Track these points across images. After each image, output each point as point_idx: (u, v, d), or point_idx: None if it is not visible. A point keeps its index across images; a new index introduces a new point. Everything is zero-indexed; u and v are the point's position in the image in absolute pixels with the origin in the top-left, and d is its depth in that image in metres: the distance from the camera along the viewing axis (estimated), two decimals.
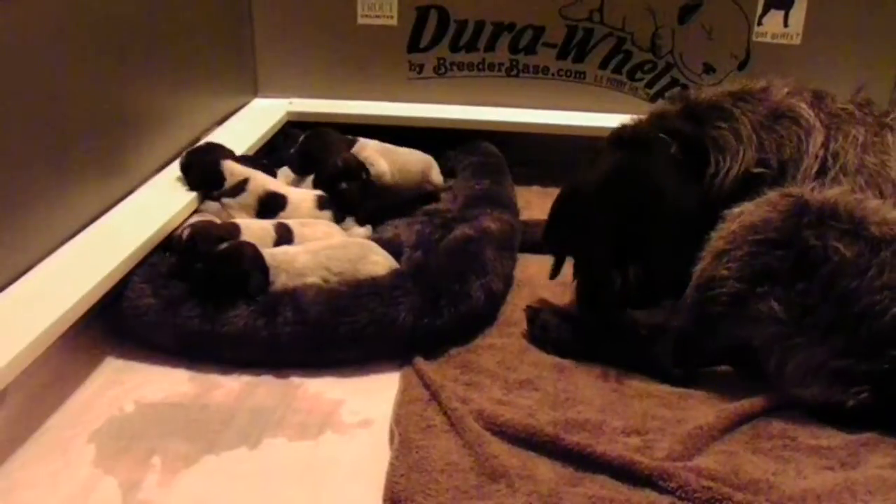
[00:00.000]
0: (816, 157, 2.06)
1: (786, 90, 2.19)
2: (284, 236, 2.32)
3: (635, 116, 2.28)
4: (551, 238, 2.33)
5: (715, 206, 2.06)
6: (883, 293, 1.80)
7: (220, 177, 2.49)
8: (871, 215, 1.86)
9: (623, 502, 1.61)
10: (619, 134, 2.24)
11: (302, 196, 2.54)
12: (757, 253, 1.89)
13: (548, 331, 2.16)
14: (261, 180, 2.53)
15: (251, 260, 2.12)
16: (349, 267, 2.18)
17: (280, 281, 2.14)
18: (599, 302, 2.18)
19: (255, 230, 2.29)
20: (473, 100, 3.34)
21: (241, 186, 2.49)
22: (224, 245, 2.15)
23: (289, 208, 2.49)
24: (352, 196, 2.57)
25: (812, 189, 1.95)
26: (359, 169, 2.63)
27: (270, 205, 2.48)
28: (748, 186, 2.08)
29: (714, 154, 2.12)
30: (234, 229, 2.28)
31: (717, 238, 1.96)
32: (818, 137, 2.07)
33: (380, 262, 2.23)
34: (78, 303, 1.90)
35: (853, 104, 2.16)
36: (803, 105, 2.13)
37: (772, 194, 1.96)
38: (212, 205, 2.49)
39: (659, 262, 2.09)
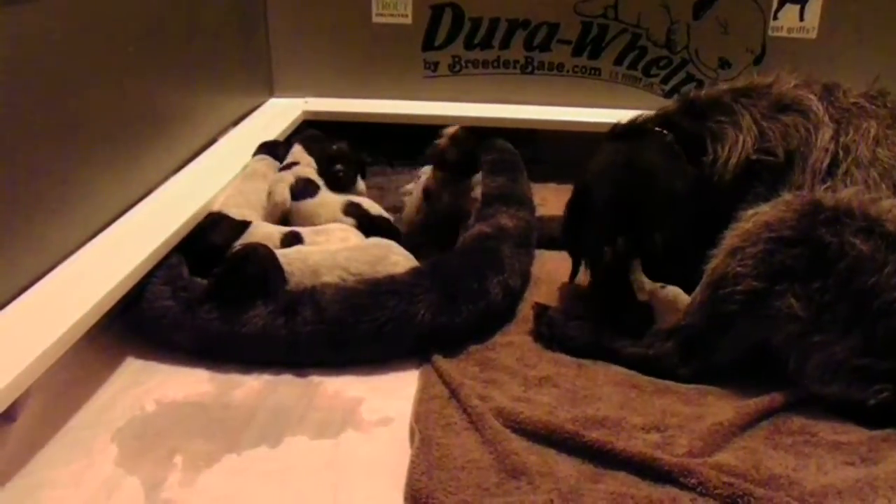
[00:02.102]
0: (826, 150, 2.07)
1: (793, 83, 2.21)
2: (292, 244, 2.31)
3: (640, 113, 2.33)
4: (565, 237, 2.39)
5: (719, 195, 2.12)
6: None
7: (284, 155, 2.78)
8: (886, 213, 1.86)
9: (643, 499, 1.61)
10: (615, 128, 2.32)
11: (333, 197, 2.57)
12: (773, 250, 1.88)
13: (553, 328, 2.16)
14: (304, 169, 2.67)
15: (264, 259, 2.13)
16: (368, 269, 2.18)
17: (294, 280, 2.15)
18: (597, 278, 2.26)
19: (258, 234, 2.30)
20: (488, 97, 3.35)
21: (287, 167, 2.68)
22: (237, 248, 2.19)
23: (317, 199, 2.54)
24: (345, 178, 2.69)
25: (825, 190, 1.96)
26: (353, 156, 2.75)
27: (301, 190, 2.56)
28: (752, 174, 2.12)
29: (712, 144, 2.17)
30: (240, 226, 2.33)
31: (732, 236, 1.96)
32: (826, 132, 2.09)
33: (400, 263, 2.22)
34: (98, 304, 1.91)
35: (866, 97, 2.16)
36: (812, 97, 2.15)
37: (786, 195, 1.97)
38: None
39: (652, 239, 2.12)
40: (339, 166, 2.68)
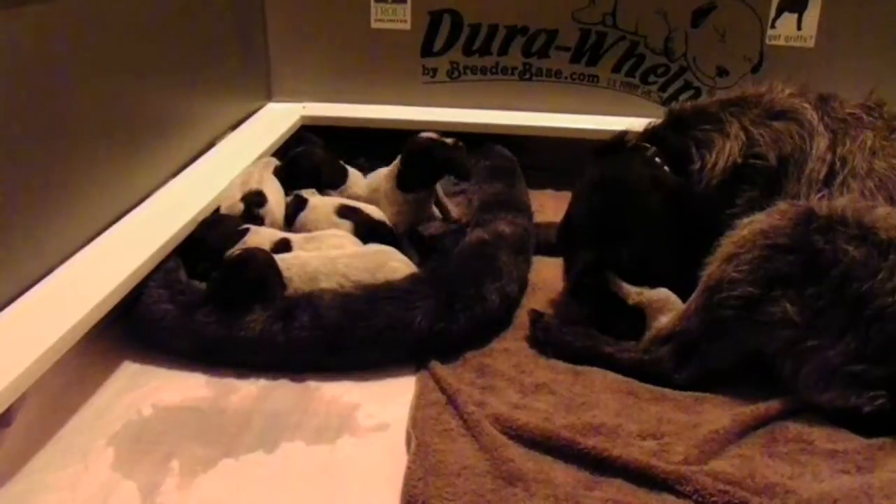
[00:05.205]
0: (823, 160, 2.09)
1: (787, 92, 2.23)
2: (281, 251, 2.28)
3: (624, 129, 2.36)
4: (559, 250, 2.44)
5: (704, 201, 2.15)
6: (894, 296, 1.80)
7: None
8: (880, 221, 1.87)
9: None
10: (595, 146, 2.36)
11: (324, 201, 2.56)
12: (768, 257, 1.90)
13: (549, 334, 2.16)
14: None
15: (263, 264, 2.13)
16: (367, 276, 2.18)
17: (292, 286, 2.15)
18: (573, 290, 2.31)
19: (251, 240, 2.30)
20: (487, 103, 3.35)
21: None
22: (236, 252, 2.18)
23: (307, 209, 2.53)
24: (285, 172, 2.70)
25: (820, 198, 1.98)
26: (307, 161, 2.75)
27: (294, 206, 2.57)
28: (741, 178, 2.14)
29: (698, 150, 2.19)
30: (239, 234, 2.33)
31: (728, 243, 1.97)
32: (821, 141, 2.10)
33: (399, 269, 2.22)
34: (95, 308, 1.91)
35: (862, 108, 2.17)
36: (806, 106, 2.17)
37: (781, 204, 1.98)
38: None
39: (635, 250, 2.16)
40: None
